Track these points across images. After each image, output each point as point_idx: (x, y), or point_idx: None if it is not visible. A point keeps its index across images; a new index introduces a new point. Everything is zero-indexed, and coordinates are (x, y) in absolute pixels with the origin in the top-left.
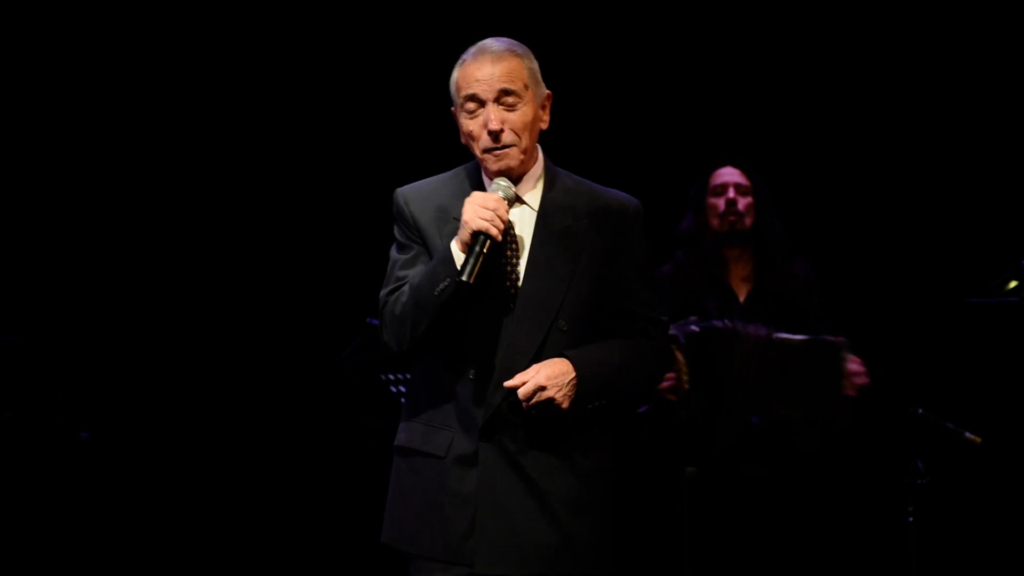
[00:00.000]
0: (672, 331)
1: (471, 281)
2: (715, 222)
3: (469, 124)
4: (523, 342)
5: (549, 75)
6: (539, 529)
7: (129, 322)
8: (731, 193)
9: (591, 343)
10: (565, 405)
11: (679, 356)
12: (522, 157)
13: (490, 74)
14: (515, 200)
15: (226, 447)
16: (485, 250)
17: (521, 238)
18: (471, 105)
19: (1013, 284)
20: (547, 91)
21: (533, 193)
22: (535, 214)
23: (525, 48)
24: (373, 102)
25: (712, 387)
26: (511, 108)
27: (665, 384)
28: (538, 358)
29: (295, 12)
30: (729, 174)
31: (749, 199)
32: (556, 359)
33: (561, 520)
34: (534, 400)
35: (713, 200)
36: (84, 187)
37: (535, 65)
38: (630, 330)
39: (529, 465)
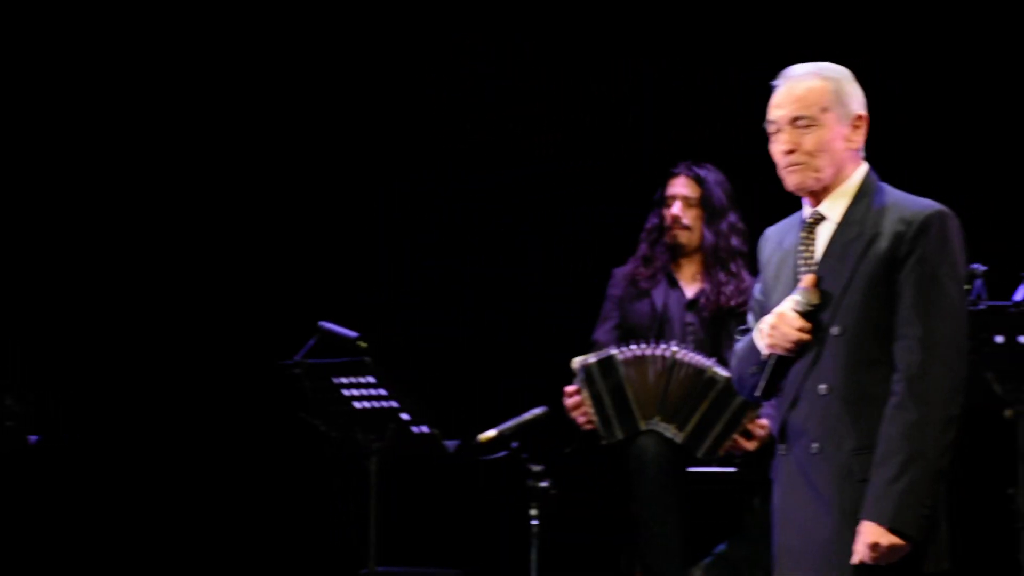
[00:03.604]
0: (575, 364)
1: (762, 396)
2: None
3: (771, 146)
4: (804, 354)
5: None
6: (822, 536)
7: (82, 326)
8: (676, 208)
9: (872, 356)
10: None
11: (581, 388)
12: (816, 175)
13: (783, 100)
14: (818, 222)
15: (178, 449)
16: (774, 364)
17: (816, 253)
18: (771, 129)
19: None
20: (857, 112)
21: (837, 209)
22: (833, 229)
23: (835, 71)
24: (349, 102)
25: (625, 411)
26: (804, 130)
27: (574, 414)
28: (816, 366)
29: (282, 6)
30: (679, 186)
31: (696, 210)
32: (868, 528)
33: (840, 528)
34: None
35: (664, 211)
36: (39, 191)
37: (845, 88)
38: (897, 357)
39: (813, 473)
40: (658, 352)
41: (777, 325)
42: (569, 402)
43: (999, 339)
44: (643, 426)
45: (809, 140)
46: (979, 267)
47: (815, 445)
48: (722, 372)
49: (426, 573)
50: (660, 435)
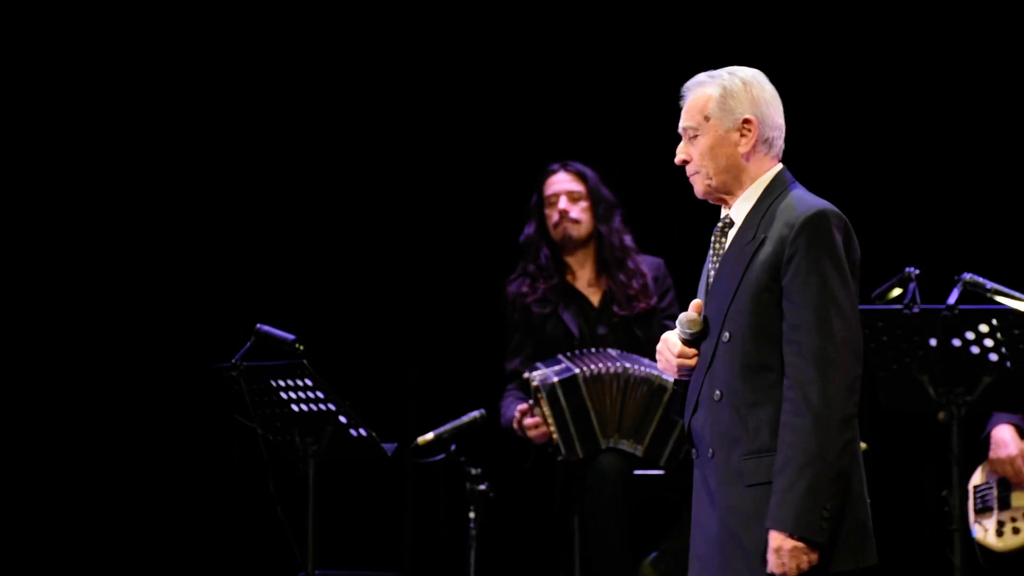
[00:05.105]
0: (535, 380)
1: (673, 414)
2: (552, 232)
3: None
4: (702, 358)
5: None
6: (712, 540)
7: (19, 323)
8: (563, 203)
9: (761, 362)
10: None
11: (542, 407)
12: (709, 182)
13: (682, 112)
14: (729, 227)
15: (114, 452)
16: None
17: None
18: None
19: (897, 292)
20: (743, 117)
21: (742, 213)
22: (735, 233)
23: (725, 78)
24: (344, 102)
25: (587, 430)
26: (692, 140)
27: (533, 432)
28: (710, 373)
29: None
30: (561, 182)
31: (584, 203)
32: (771, 536)
33: (722, 532)
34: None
35: (548, 211)
36: None
37: (732, 93)
38: (787, 363)
39: (710, 478)
40: (612, 370)
41: (661, 351)
42: (528, 422)
43: (933, 342)
44: (603, 444)
45: (696, 149)
46: (913, 270)
47: (711, 450)
48: (668, 377)
49: None
50: (619, 452)
